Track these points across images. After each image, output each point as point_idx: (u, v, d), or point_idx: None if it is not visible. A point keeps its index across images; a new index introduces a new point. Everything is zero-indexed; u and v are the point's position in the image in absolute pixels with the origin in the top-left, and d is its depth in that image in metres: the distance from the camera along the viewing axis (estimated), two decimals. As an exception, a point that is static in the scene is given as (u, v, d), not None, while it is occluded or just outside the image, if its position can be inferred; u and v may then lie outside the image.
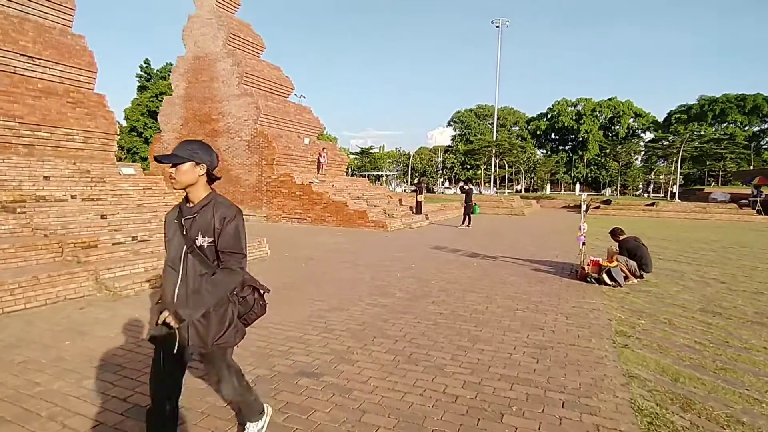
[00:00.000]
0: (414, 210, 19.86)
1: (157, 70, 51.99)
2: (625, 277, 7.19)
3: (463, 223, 17.68)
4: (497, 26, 40.60)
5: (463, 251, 11.04)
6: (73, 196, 8.23)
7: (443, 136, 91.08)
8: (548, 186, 76.44)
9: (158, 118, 20.50)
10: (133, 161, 39.07)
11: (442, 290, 6.84)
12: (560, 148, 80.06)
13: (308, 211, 17.39)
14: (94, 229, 7.50)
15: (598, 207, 30.60)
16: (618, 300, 6.34)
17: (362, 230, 15.79)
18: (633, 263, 7.43)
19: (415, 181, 20.04)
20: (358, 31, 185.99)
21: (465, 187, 18.00)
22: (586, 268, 7.50)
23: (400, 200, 21.66)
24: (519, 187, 68.07)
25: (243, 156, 18.68)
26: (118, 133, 11.63)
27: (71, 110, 10.61)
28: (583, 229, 8.06)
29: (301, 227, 16.64)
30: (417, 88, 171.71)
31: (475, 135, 76.92)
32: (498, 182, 59.72)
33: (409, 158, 70.55)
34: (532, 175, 73.87)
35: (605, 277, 7.14)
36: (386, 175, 69.51)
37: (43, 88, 10.12)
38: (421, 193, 19.87)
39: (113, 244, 7.30)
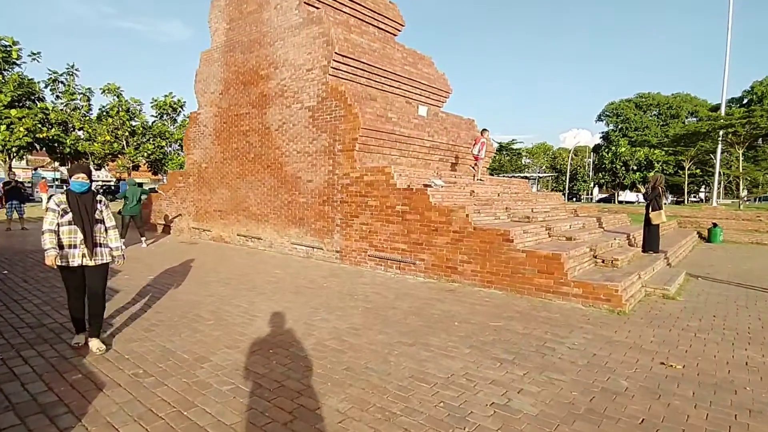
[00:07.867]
0: (643, 244, 9.37)
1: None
2: None
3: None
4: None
5: None
6: None
7: (577, 139, 77.45)
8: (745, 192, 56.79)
9: (194, 87, 13.08)
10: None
11: None
12: (757, 143, 59.73)
13: (420, 247, 8.10)
14: None
15: None
16: None
17: (551, 306, 6.01)
18: None
19: (647, 188, 8.66)
20: (476, 30, 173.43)
21: None
22: None
23: (599, 221, 11.20)
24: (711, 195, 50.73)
25: (304, 138, 10.12)
26: None
27: None
28: None
29: (400, 285, 7.40)
30: (548, 86, 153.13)
31: (635, 129, 61.28)
32: (686, 190, 44.05)
33: (555, 157, 56.62)
34: (728, 178, 55.14)
35: None
36: (537, 177, 55.18)
37: None
38: (658, 208, 9.27)
39: None
